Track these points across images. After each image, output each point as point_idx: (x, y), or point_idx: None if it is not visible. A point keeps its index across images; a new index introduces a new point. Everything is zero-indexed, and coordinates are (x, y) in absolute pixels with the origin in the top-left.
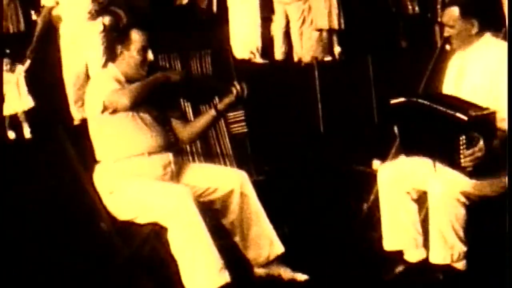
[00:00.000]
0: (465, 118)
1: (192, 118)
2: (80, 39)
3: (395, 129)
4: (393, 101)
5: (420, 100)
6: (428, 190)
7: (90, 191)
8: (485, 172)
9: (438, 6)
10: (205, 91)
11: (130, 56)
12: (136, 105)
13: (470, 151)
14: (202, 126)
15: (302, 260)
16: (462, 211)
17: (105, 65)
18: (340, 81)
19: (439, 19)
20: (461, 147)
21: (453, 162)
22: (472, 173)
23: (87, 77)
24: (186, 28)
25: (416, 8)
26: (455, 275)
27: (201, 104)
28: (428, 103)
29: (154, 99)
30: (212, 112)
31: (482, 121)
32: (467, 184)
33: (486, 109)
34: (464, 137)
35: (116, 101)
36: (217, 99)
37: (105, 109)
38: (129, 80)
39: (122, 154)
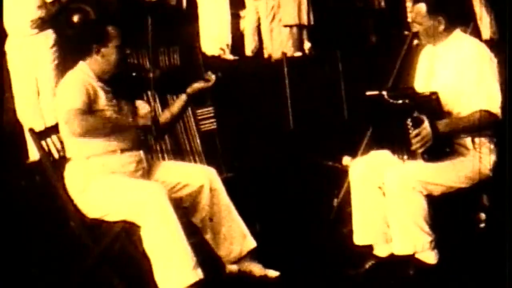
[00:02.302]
0: (400, 101)
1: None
2: (28, 56)
3: (368, 122)
4: (368, 93)
5: (383, 93)
6: (385, 181)
7: (60, 190)
8: (438, 154)
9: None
10: (176, 85)
11: (107, 53)
12: (85, 136)
13: (416, 131)
14: (174, 113)
15: (273, 256)
16: (421, 201)
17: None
18: (309, 77)
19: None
20: (409, 130)
21: (409, 150)
22: (425, 157)
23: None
24: (154, 24)
25: (382, 3)
26: (426, 270)
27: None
28: (385, 94)
29: (126, 95)
30: (183, 97)
31: (423, 103)
32: (424, 173)
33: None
34: (409, 119)
35: (70, 124)
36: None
37: None
38: (101, 79)
39: (94, 151)
